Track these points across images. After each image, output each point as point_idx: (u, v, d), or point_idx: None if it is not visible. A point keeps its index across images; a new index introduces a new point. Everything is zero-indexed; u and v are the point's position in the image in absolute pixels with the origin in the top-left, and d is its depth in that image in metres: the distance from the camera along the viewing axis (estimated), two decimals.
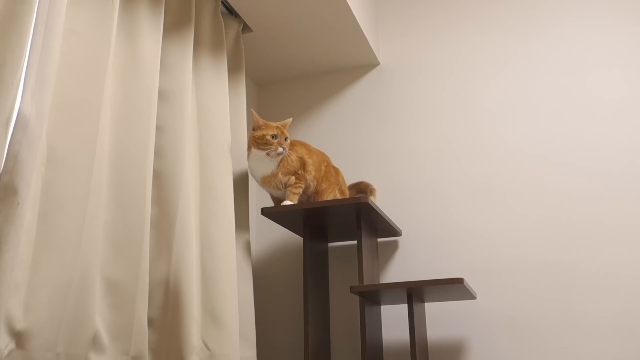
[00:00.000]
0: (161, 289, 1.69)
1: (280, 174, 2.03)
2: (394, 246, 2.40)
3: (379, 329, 2.21)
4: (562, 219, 2.21)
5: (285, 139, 2.03)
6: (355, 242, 2.45)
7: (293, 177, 2.05)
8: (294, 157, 2.07)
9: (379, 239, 2.42)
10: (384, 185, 2.49)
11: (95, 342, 1.42)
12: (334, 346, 2.33)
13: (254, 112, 2.05)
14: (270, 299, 2.49)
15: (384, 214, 2.16)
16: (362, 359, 1.97)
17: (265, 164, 2.03)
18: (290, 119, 2.10)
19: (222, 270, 1.85)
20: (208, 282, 1.82)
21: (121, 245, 1.55)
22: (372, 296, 2.07)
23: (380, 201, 2.46)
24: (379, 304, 2.26)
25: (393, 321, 2.30)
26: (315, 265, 2.22)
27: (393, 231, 2.33)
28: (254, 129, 2.04)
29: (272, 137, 1.99)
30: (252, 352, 1.97)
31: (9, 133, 1.25)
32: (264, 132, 2.00)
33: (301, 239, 2.50)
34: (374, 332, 2.11)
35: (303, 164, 2.10)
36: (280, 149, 1.99)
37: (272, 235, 2.57)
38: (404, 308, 2.30)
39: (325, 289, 2.31)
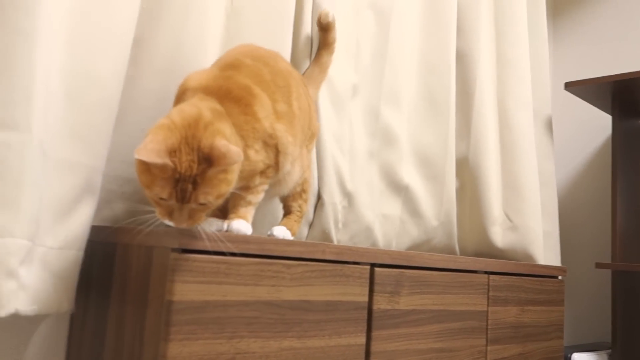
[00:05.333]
0: (461, 164, 1.79)
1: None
2: None
3: None
4: None
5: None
6: None
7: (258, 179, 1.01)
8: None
9: None
10: None
11: (409, 207, 1.60)
12: None
13: None
14: (573, 181, 2.41)
15: None
16: None
17: None
18: None
19: (521, 146, 1.86)
20: (507, 157, 1.85)
21: (429, 122, 1.67)
22: None
23: None
24: None
25: None
26: (625, 146, 2.05)
27: None
28: None
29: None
30: (554, 227, 1.98)
31: None
32: None
33: (609, 117, 2.31)
34: None
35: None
36: None
37: (576, 113, 2.43)
38: None
39: (637, 172, 2.13)
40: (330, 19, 1.29)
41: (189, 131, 0.82)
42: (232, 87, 0.93)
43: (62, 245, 0.93)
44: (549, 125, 2.03)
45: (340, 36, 1.37)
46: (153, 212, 0.86)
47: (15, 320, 1.01)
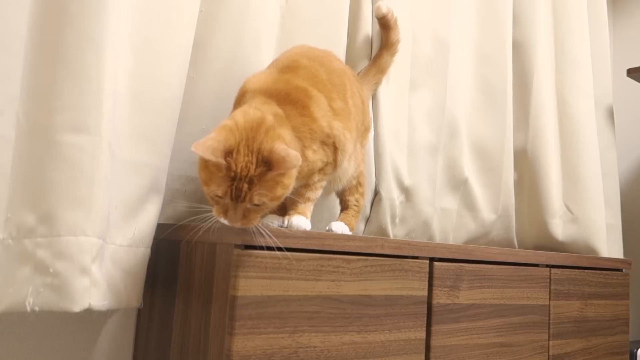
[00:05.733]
0: (519, 156, 1.75)
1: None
2: None
3: None
4: None
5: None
6: None
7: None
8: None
9: None
10: None
11: (466, 200, 1.58)
12: None
13: None
14: (636, 171, 2.32)
15: None
16: None
17: None
18: None
19: (582, 136, 1.80)
20: (567, 148, 1.80)
21: (485, 113, 1.64)
22: None
23: None
24: None
25: None
26: None
27: None
28: None
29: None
30: (616, 220, 1.91)
31: None
32: None
33: None
34: None
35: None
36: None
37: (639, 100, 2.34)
38: None
39: None
40: (384, 12, 1.29)
41: (250, 134, 0.85)
42: (290, 90, 0.95)
43: (130, 243, 0.97)
44: (611, 114, 1.97)
45: None
46: (211, 211, 0.88)
47: (86, 315, 1.06)
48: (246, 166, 0.82)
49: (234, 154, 0.82)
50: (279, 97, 0.94)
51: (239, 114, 0.88)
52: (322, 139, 0.97)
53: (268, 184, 0.84)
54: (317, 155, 0.97)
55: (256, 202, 0.84)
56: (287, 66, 1.01)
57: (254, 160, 0.83)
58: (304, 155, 0.93)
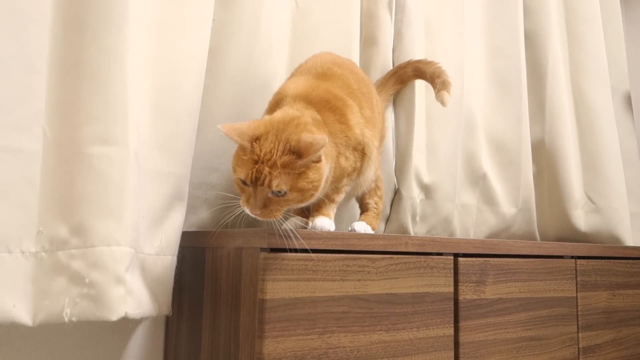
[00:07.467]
0: (537, 148, 1.74)
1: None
2: None
3: None
4: None
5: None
6: None
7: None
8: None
9: None
10: None
11: (486, 195, 1.57)
12: None
13: None
14: None
15: None
16: None
17: None
18: None
19: (600, 125, 1.79)
20: (586, 137, 1.79)
21: (501, 106, 1.63)
22: None
23: None
24: None
25: None
26: None
27: None
28: None
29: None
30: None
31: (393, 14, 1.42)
32: None
33: None
34: None
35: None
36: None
37: None
38: None
39: None
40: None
41: (281, 126, 0.87)
42: (329, 98, 0.98)
43: (158, 252, 0.98)
44: (628, 101, 1.95)
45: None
46: (238, 199, 0.90)
47: (117, 324, 1.07)
48: (270, 151, 0.84)
49: (261, 140, 0.85)
50: (319, 104, 0.96)
51: (279, 112, 0.92)
52: (354, 145, 0.99)
53: (292, 173, 0.85)
54: (349, 162, 0.99)
55: (275, 187, 0.84)
56: (323, 74, 1.04)
57: (280, 148, 0.84)
58: (337, 162, 0.96)
